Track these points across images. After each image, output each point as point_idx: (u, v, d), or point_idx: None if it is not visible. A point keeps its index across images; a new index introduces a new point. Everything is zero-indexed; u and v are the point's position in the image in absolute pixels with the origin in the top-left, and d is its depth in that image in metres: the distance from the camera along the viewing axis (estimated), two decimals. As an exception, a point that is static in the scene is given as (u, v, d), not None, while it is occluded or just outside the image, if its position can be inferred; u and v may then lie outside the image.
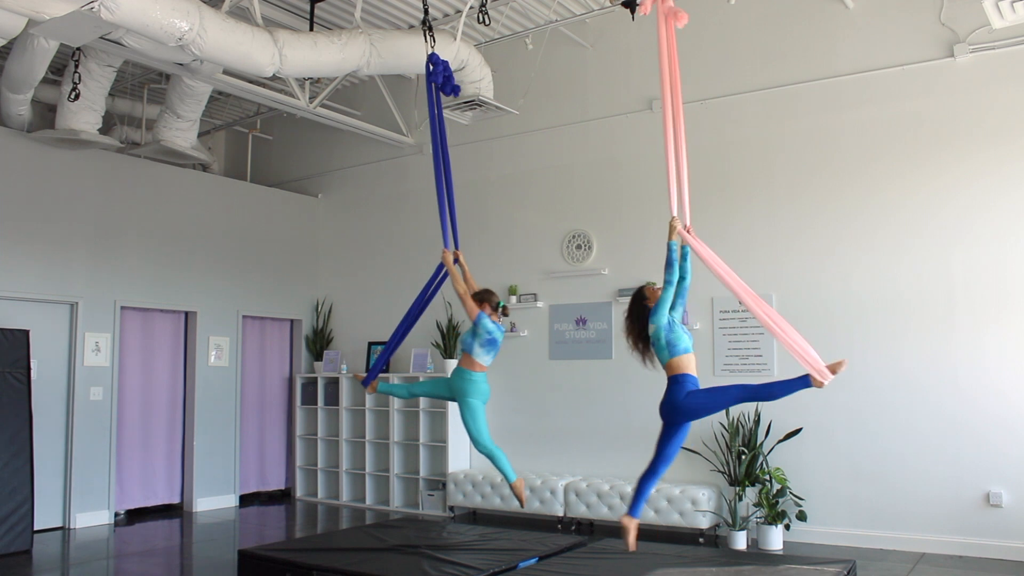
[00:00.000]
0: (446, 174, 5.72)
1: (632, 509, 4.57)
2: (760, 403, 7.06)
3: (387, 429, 9.24)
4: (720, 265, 4.41)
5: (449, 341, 8.88)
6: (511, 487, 5.50)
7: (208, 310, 9.30)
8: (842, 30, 7.12)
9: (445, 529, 6.38)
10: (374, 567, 5.02)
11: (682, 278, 4.57)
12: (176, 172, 9.31)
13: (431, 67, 5.76)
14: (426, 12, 6.30)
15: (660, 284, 4.57)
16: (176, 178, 9.25)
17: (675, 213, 4.51)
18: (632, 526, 4.55)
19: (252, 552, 5.62)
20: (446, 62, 5.84)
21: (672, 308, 4.54)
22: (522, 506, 5.73)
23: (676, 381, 4.43)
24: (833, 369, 4.09)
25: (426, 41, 6.07)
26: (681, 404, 4.38)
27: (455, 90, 5.78)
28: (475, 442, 5.50)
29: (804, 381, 4.16)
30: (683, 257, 4.57)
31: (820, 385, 4.12)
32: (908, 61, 6.81)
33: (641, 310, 4.68)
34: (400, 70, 7.49)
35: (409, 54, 7.28)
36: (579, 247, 8.36)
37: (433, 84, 5.77)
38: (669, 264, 4.46)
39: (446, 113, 8.06)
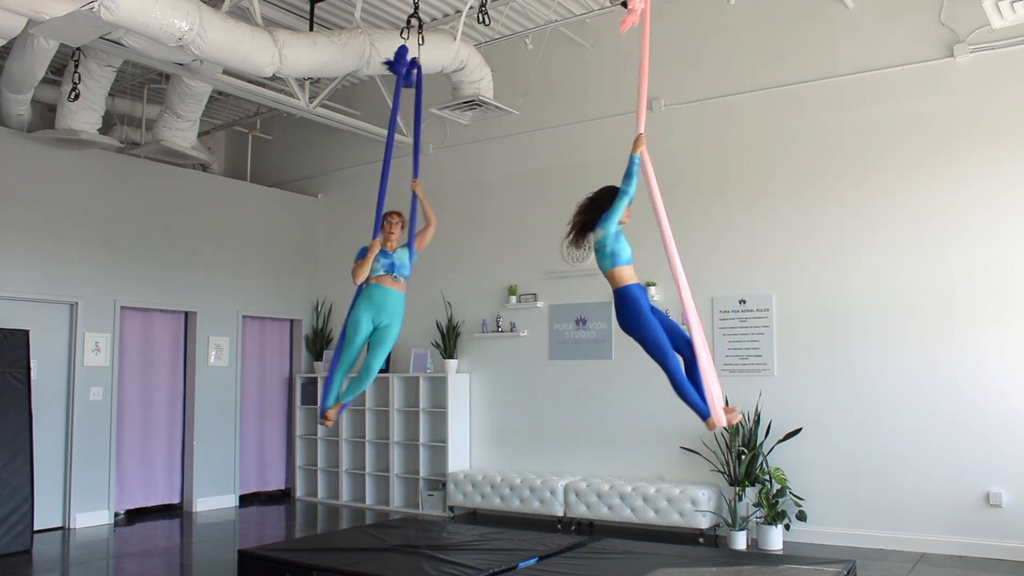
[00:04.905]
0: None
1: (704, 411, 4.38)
2: (760, 403, 7.10)
3: (387, 429, 9.24)
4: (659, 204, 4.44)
5: (449, 341, 8.87)
6: None
7: (208, 310, 9.30)
8: (842, 30, 7.12)
9: (445, 529, 6.38)
10: (374, 567, 5.01)
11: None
12: (176, 172, 9.31)
13: (399, 63, 5.80)
14: (416, 6, 6.32)
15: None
16: (176, 178, 9.25)
17: (642, 131, 4.45)
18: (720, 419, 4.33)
19: (252, 552, 5.61)
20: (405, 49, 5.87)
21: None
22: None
23: (625, 293, 4.47)
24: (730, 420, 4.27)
25: (411, 36, 6.03)
26: (642, 321, 4.37)
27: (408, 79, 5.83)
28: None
29: (703, 414, 4.29)
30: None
31: (712, 427, 4.29)
32: (908, 61, 6.82)
33: (597, 209, 4.72)
34: (400, 70, 7.49)
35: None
36: (579, 247, 8.33)
37: (404, 78, 5.84)
38: (630, 175, 4.38)
39: (446, 113, 8.11)
